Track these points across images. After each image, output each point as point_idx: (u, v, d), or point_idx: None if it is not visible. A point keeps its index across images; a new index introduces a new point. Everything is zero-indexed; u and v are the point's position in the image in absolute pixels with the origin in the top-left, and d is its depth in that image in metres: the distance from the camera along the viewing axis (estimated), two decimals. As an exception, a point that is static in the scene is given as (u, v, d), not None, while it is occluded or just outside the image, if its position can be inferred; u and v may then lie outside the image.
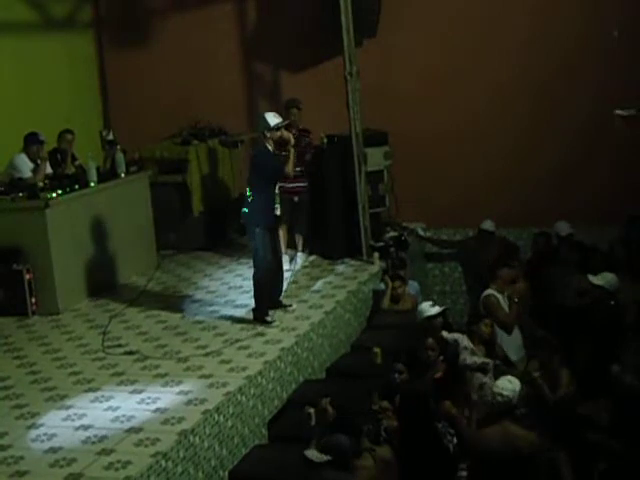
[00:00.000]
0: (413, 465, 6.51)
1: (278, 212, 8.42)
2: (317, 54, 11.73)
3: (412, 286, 10.01)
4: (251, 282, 8.49)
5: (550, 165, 11.22)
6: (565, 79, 11.12)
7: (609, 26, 10.20)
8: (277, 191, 8.41)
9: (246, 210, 8.34)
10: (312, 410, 6.89)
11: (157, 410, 6.47)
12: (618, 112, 9.66)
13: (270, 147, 8.30)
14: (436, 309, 8.28)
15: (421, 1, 11.57)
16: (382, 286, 9.95)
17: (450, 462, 6.88)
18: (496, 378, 7.00)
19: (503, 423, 6.47)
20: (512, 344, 8.81)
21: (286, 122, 8.65)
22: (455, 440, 6.95)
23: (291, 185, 9.84)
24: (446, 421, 7.00)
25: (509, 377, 6.71)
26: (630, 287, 8.88)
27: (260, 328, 8.18)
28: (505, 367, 8.02)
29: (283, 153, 8.44)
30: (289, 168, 8.40)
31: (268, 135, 8.26)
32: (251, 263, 8.62)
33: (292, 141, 8.43)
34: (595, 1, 10.93)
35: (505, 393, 6.51)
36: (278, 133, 8.29)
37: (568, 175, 11.08)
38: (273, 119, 8.30)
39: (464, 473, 6.89)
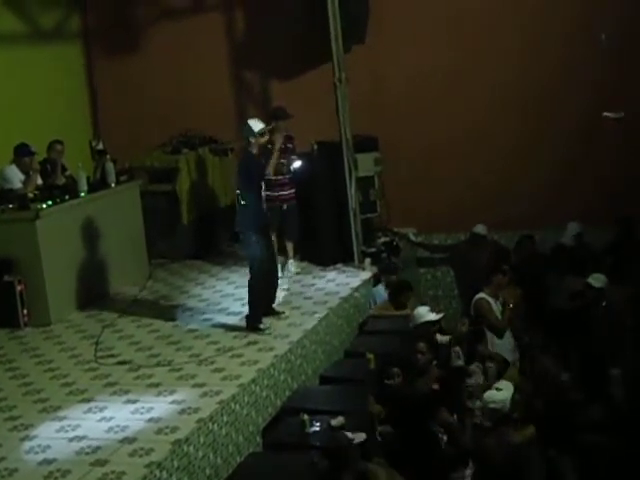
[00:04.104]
0: (409, 467, 6.51)
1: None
2: (306, 61, 11.74)
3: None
4: (243, 290, 8.49)
5: (543, 170, 11.27)
6: (561, 85, 11.17)
7: (604, 28, 10.22)
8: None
9: (238, 217, 8.38)
10: (306, 417, 6.91)
11: (151, 420, 6.45)
12: (607, 114, 9.70)
13: (255, 152, 8.35)
14: (435, 315, 8.29)
15: (409, 6, 11.60)
16: (382, 290, 10.03)
17: (444, 462, 6.90)
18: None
19: (499, 431, 6.46)
20: (503, 348, 8.80)
21: (270, 127, 8.74)
22: (445, 438, 6.98)
23: (278, 193, 9.88)
24: (442, 428, 7.02)
25: (500, 384, 6.70)
26: (617, 289, 8.93)
27: (253, 336, 8.17)
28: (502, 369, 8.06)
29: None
30: (270, 168, 8.54)
31: (253, 141, 8.32)
32: (243, 271, 8.62)
33: (277, 145, 8.54)
34: (592, 3, 10.96)
35: (492, 406, 6.51)
36: (262, 139, 8.36)
37: (561, 180, 11.12)
38: (257, 125, 8.37)
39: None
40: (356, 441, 6.31)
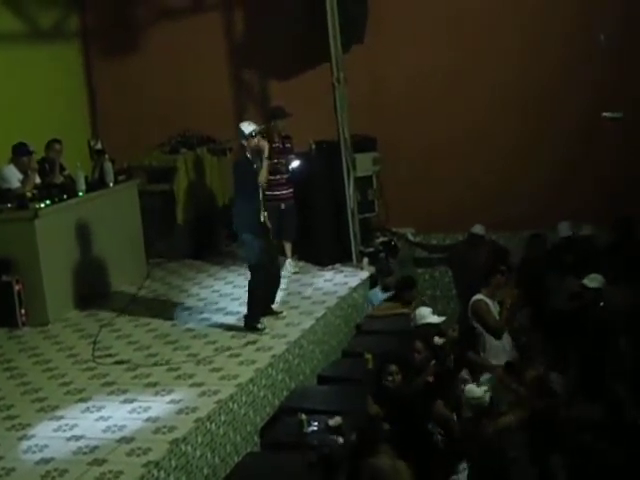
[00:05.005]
0: (408, 465, 6.51)
1: (262, 218, 8.35)
2: (305, 61, 11.73)
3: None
4: (241, 290, 8.48)
5: (543, 170, 11.24)
6: (561, 85, 11.14)
7: (604, 28, 10.19)
8: (261, 198, 8.40)
9: (235, 217, 8.36)
10: (304, 416, 6.90)
11: (148, 419, 6.45)
12: (605, 114, 9.69)
13: (249, 156, 8.29)
14: (437, 318, 8.28)
15: (409, 6, 11.59)
16: (378, 292, 10.01)
17: (442, 461, 6.91)
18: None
19: (484, 423, 6.51)
20: (501, 349, 8.78)
21: (260, 128, 8.60)
22: (443, 442, 6.98)
23: (277, 192, 9.86)
24: (438, 421, 7.03)
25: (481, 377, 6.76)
26: (615, 290, 8.91)
27: (251, 336, 8.16)
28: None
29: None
30: (261, 178, 8.25)
31: (245, 144, 8.27)
32: (241, 270, 8.60)
33: (266, 152, 8.27)
34: (592, 2, 10.94)
35: (473, 402, 6.55)
36: (254, 140, 8.27)
37: (561, 180, 11.10)
38: (248, 127, 8.29)
39: (463, 475, 6.91)
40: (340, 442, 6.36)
